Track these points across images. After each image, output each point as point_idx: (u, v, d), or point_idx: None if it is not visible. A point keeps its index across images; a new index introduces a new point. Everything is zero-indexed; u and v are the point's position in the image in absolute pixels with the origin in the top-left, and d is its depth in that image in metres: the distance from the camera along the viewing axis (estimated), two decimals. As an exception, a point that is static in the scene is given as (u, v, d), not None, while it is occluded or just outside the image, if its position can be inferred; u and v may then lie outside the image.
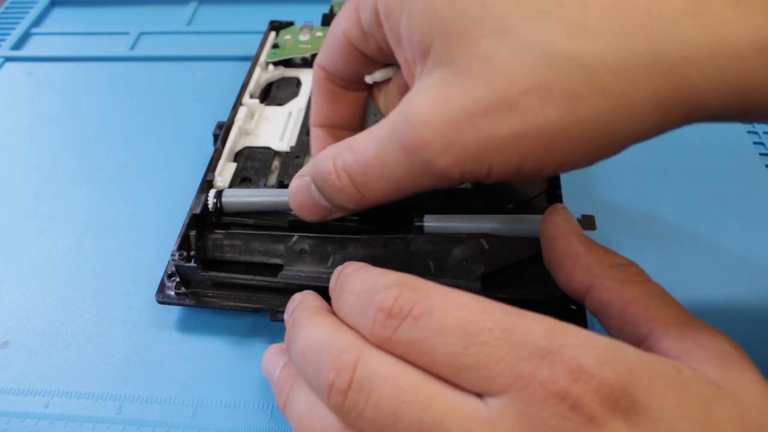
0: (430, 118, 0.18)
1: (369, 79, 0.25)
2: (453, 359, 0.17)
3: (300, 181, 0.24)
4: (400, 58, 0.21)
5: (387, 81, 0.25)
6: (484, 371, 0.17)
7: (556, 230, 0.22)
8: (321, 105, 0.26)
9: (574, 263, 0.21)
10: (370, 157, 0.20)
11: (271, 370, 0.23)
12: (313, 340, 0.19)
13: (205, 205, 0.29)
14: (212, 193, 0.29)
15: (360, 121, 0.27)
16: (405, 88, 0.23)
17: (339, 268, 0.23)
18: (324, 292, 0.27)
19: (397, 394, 0.17)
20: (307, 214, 0.24)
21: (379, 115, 0.34)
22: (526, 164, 0.18)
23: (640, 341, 0.19)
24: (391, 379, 0.17)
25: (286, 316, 0.24)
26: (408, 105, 0.19)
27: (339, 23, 0.24)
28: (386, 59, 0.24)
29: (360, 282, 0.20)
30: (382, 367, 0.18)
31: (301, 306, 0.23)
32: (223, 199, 0.29)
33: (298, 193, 0.24)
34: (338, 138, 0.25)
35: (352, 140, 0.21)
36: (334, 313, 0.21)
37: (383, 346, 0.18)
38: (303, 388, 0.20)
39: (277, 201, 0.28)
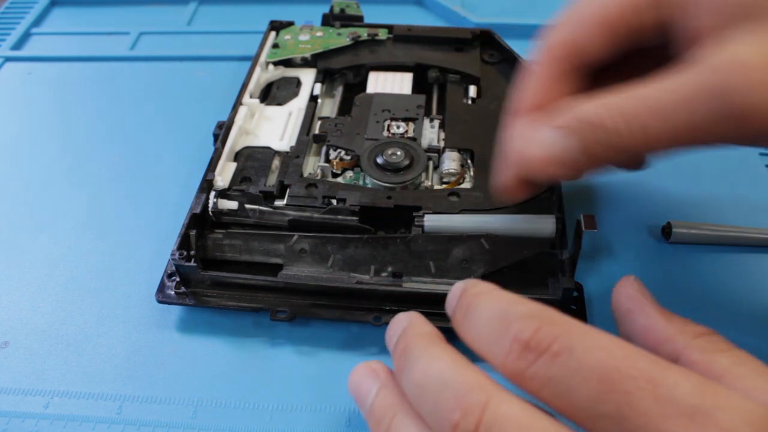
0: (759, 62, 0.18)
1: None
2: (591, 404, 0.16)
3: (554, 132, 0.22)
4: (687, 24, 0.21)
5: None
6: (624, 423, 0.16)
7: (632, 303, 0.22)
8: (546, 85, 0.24)
9: (656, 337, 0.20)
10: (668, 104, 0.20)
11: (364, 393, 0.21)
12: (434, 372, 0.19)
13: (206, 205, 0.29)
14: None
15: None
16: None
17: (460, 285, 0.21)
18: (325, 292, 0.27)
19: None
20: (538, 167, 0.22)
21: (379, 114, 0.34)
22: None
23: None
24: (523, 427, 0.16)
25: (390, 339, 0.22)
26: (719, 57, 0.19)
27: None
28: (653, 37, 0.23)
29: (492, 306, 0.19)
30: (513, 413, 0.17)
31: (413, 331, 0.21)
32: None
33: (543, 146, 0.22)
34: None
35: (636, 92, 0.20)
36: (446, 341, 0.20)
37: (515, 379, 0.17)
38: (409, 421, 0.19)
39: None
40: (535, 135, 0.22)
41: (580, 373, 0.16)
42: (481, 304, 0.20)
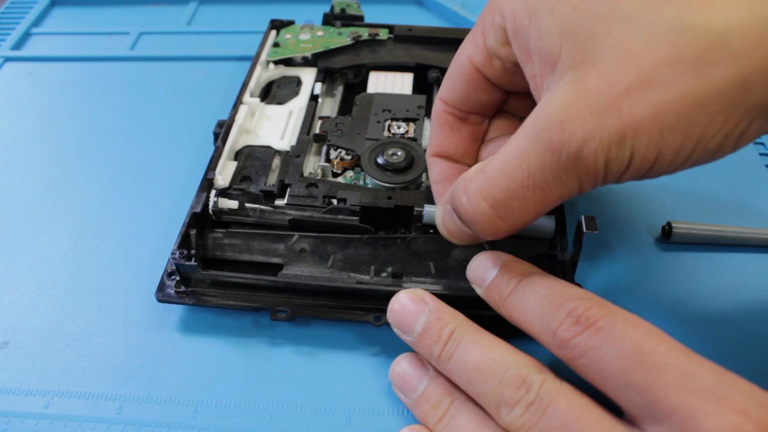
0: (573, 112, 0.18)
1: None
2: (621, 373, 0.18)
3: (445, 208, 0.24)
4: (528, 73, 0.22)
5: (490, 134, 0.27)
6: (648, 393, 0.17)
7: None
8: (438, 136, 0.27)
9: None
10: (513, 169, 0.20)
11: (415, 382, 0.23)
12: (494, 357, 0.21)
13: (206, 204, 0.29)
14: None
15: (474, 155, 0.27)
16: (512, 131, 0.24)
17: (489, 258, 0.24)
18: (325, 292, 0.27)
19: (572, 409, 0.19)
20: (457, 241, 0.25)
21: (380, 114, 0.34)
22: (667, 145, 0.18)
23: None
24: (570, 397, 0.19)
25: (418, 323, 0.24)
26: (544, 109, 0.19)
27: (464, 49, 0.25)
28: (507, 84, 0.25)
29: (548, 286, 0.21)
30: (563, 388, 0.20)
31: (455, 319, 0.23)
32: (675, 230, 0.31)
33: (445, 221, 0.24)
34: (453, 166, 0.26)
35: (481, 165, 0.22)
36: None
37: (560, 346, 0.20)
38: (468, 406, 0.22)
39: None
40: (437, 209, 0.25)
41: (617, 344, 0.18)
42: (538, 281, 0.22)
